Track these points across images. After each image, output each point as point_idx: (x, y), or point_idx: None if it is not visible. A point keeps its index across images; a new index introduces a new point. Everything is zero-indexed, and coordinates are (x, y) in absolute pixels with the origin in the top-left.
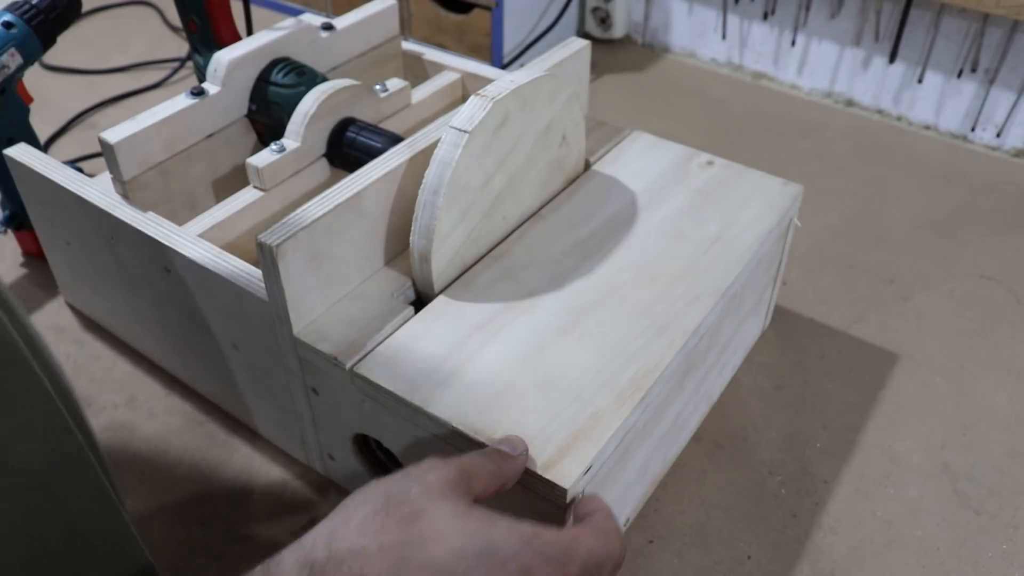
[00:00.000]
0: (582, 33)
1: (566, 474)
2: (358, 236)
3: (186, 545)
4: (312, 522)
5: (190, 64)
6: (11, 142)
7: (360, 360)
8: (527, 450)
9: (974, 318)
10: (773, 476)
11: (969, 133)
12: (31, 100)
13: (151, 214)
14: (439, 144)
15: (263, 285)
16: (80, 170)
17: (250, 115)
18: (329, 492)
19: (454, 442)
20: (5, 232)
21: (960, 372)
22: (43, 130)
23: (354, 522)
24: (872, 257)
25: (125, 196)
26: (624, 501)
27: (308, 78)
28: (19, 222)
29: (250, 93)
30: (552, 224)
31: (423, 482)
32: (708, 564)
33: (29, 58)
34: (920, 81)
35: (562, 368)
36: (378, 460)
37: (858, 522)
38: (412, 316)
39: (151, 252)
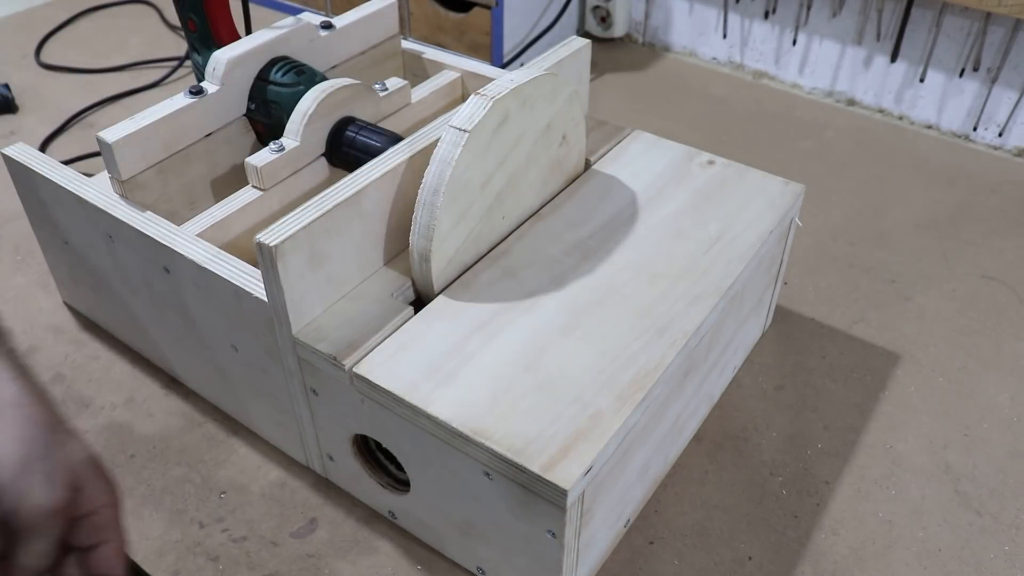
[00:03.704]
0: (582, 32)
1: (566, 475)
2: (357, 236)
3: (185, 545)
4: (312, 522)
5: (189, 63)
6: None
7: (359, 360)
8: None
9: (976, 318)
10: (774, 477)
11: (971, 132)
12: None
13: (150, 214)
14: (439, 143)
15: (262, 285)
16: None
17: (249, 114)
18: (328, 493)
19: (454, 442)
20: None
21: (962, 372)
22: (41, 129)
23: None
24: (874, 257)
25: (124, 196)
26: (625, 502)
27: (307, 77)
28: None
29: (249, 92)
30: (552, 224)
31: None
32: (709, 565)
33: None
34: (922, 80)
35: (562, 368)
36: (377, 460)
37: (859, 523)
38: (412, 316)
39: (149, 252)
